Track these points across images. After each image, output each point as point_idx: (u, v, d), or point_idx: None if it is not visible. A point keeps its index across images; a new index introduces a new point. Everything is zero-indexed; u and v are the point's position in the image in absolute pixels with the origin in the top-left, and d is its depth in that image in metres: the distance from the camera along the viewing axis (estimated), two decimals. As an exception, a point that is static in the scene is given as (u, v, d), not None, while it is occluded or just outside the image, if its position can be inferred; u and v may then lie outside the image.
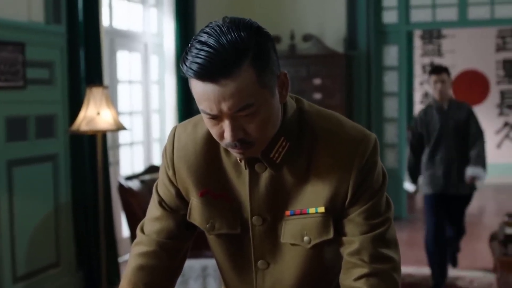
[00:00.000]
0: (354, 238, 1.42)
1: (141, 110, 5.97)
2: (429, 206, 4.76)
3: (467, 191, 4.72)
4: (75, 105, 4.43)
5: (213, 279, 4.01)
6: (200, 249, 3.26)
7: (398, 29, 7.18)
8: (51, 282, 4.44)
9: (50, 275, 4.44)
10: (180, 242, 1.55)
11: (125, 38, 5.64)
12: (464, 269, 5.08)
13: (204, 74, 1.25)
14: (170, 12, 6.00)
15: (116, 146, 5.45)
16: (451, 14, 7.14)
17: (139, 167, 5.70)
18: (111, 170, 5.01)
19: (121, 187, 4.08)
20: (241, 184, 1.46)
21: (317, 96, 6.74)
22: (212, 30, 1.26)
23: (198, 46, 1.25)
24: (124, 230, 5.42)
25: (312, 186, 1.42)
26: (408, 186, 4.91)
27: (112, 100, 4.38)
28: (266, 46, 1.30)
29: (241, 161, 1.44)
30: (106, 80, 4.89)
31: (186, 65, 1.27)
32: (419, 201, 7.99)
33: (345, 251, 1.43)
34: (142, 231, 1.57)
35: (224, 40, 1.24)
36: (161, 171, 1.55)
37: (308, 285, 1.52)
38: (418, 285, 4.85)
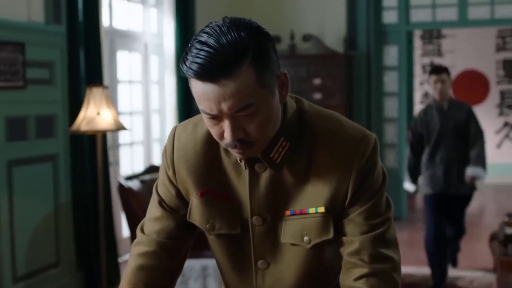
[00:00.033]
0: (354, 238, 1.42)
1: (141, 110, 5.97)
2: (429, 206, 4.75)
3: (467, 191, 4.71)
4: (75, 105, 4.43)
5: (213, 279, 4.01)
6: (200, 249, 3.26)
7: (398, 29, 7.18)
8: (51, 282, 4.44)
9: (50, 275, 4.44)
10: (180, 242, 1.55)
11: (125, 38, 5.64)
12: (464, 269, 5.08)
13: (204, 74, 1.25)
14: (170, 12, 6.00)
15: (116, 146, 5.45)
16: (451, 14, 7.14)
17: (139, 167, 5.70)
18: (111, 170, 5.01)
19: (121, 187, 4.08)
20: (241, 184, 1.46)
21: (317, 96, 6.75)
22: (212, 30, 1.26)
23: (198, 46, 1.25)
24: (124, 230, 5.42)
25: (312, 186, 1.42)
26: (408, 186, 4.91)
27: (112, 100, 4.38)
28: (266, 46, 1.30)
29: (241, 161, 1.44)
30: (106, 80, 4.89)
31: (186, 65, 1.27)
32: (419, 201, 7.99)
33: (345, 251, 1.43)
34: (142, 231, 1.57)
35: (224, 40, 1.24)
36: (161, 171, 1.55)
37: (308, 285, 1.52)
38: (418, 285, 4.85)
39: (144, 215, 1.61)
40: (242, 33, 1.25)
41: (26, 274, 4.22)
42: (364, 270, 1.40)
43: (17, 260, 4.14)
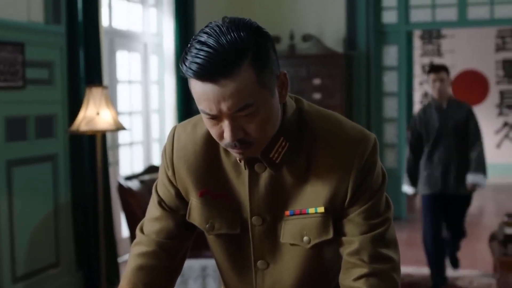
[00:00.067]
0: (353, 238, 1.41)
1: (140, 110, 5.97)
2: (426, 206, 4.70)
3: (466, 191, 4.63)
4: (75, 105, 4.43)
5: (213, 279, 4.01)
6: (199, 249, 3.27)
7: (397, 29, 7.18)
8: (51, 282, 4.44)
9: (50, 275, 4.44)
10: (180, 242, 1.55)
11: (124, 38, 5.64)
12: (464, 269, 5.07)
13: (203, 74, 1.25)
14: (170, 12, 6.00)
15: (116, 146, 5.45)
16: (450, 14, 7.14)
17: (139, 167, 5.70)
18: (111, 170, 5.01)
19: (120, 187, 4.08)
20: (241, 184, 1.46)
21: (317, 96, 6.75)
22: (212, 30, 1.26)
23: (198, 46, 1.25)
24: (124, 230, 5.42)
25: (311, 186, 1.41)
26: (407, 189, 4.83)
27: (111, 100, 4.38)
28: (265, 46, 1.30)
29: (240, 161, 1.44)
30: (105, 80, 4.89)
31: (186, 65, 1.27)
32: (419, 201, 7.96)
33: (345, 251, 1.43)
34: (142, 231, 1.57)
35: (224, 40, 1.24)
36: (161, 171, 1.55)
37: (307, 285, 1.52)
38: (417, 285, 4.85)
39: (143, 215, 1.61)
40: (241, 33, 1.25)
41: (26, 274, 4.22)
42: (363, 270, 1.40)
43: (16, 260, 4.14)
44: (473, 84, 10.46)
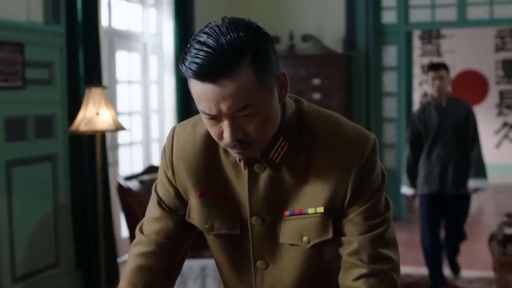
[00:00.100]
0: (353, 238, 1.41)
1: (140, 110, 5.97)
2: (424, 206, 4.66)
3: (465, 191, 4.58)
4: (74, 105, 4.43)
5: (212, 280, 4.01)
6: (199, 249, 3.26)
7: (397, 29, 7.18)
8: (50, 282, 4.44)
9: (49, 275, 4.44)
10: (179, 242, 1.55)
11: (124, 38, 5.64)
12: (464, 269, 5.07)
13: (203, 74, 1.25)
14: (169, 12, 6.00)
15: (115, 146, 5.45)
16: (450, 14, 7.14)
17: (138, 167, 5.70)
18: (110, 170, 5.00)
19: (120, 187, 4.08)
20: (240, 185, 1.46)
21: (316, 96, 6.75)
22: (211, 30, 1.26)
23: (197, 46, 1.25)
24: (123, 230, 5.41)
25: (311, 186, 1.41)
26: (406, 190, 4.74)
27: (111, 100, 4.38)
28: (265, 46, 1.30)
29: (240, 161, 1.44)
30: (105, 80, 4.89)
31: (185, 65, 1.27)
32: (418, 201, 7.97)
33: (344, 251, 1.43)
34: (141, 231, 1.57)
35: (223, 40, 1.24)
36: (160, 171, 1.55)
37: (307, 285, 1.52)
38: (417, 285, 4.85)
39: (143, 215, 1.61)
40: (241, 33, 1.25)
41: (25, 274, 4.22)
42: (363, 270, 1.40)
43: (16, 260, 4.14)
44: (472, 84, 10.47)
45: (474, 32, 9.95)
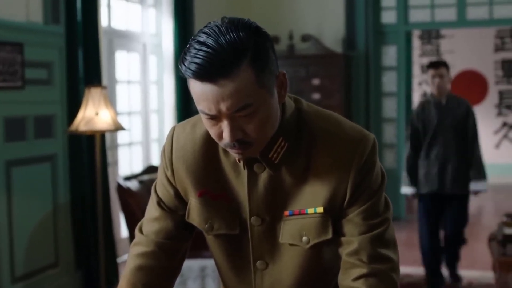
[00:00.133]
0: (352, 238, 1.41)
1: (139, 110, 5.97)
2: (423, 206, 4.63)
3: (464, 191, 4.55)
4: (74, 105, 4.43)
5: (212, 280, 4.01)
6: (198, 249, 3.26)
7: (396, 29, 7.18)
8: (50, 282, 4.44)
9: (49, 275, 4.44)
10: (179, 242, 1.55)
11: (123, 38, 5.64)
12: (463, 269, 5.07)
13: (202, 74, 1.25)
14: (169, 12, 6.00)
15: (115, 146, 5.45)
16: (449, 14, 7.14)
17: (138, 167, 5.70)
18: (110, 170, 5.00)
19: (119, 187, 4.08)
20: (240, 185, 1.46)
21: (316, 96, 6.75)
22: (211, 30, 1.26)
23: (197, 46, 1.25)
24: (123, 230, 5.41)
25: (310, 186, 1.41)
26: (406, 189, 4.68)
27: (110, 100, 4.38)
28: (264, 46, 1.30)
29: (239, 162, 1.44)
30: (104, 80, 4.89)
31: (185, 65, 1.27)
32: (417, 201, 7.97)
33: (344, 251, 1.43)
34: (141, 231, 1.57)
35: (223, 40, 1.24)
36: (160, 171, 1.55)
37: (307, 285, 1.52)
38: (416, 285, 4.85)
39: (142, 215, 1.60)
40: (240, 33, 1.25)
41: (25, 274, 4.22)
42: (362, 270, 1.40)
43: (15, 261, 4.13)
44: (472, 84, 10.47)
45: (474, 32, 9.95)
